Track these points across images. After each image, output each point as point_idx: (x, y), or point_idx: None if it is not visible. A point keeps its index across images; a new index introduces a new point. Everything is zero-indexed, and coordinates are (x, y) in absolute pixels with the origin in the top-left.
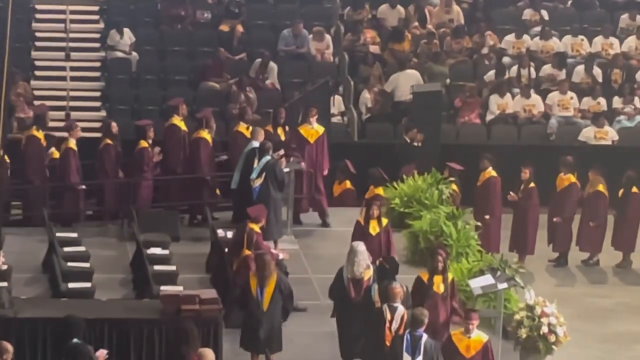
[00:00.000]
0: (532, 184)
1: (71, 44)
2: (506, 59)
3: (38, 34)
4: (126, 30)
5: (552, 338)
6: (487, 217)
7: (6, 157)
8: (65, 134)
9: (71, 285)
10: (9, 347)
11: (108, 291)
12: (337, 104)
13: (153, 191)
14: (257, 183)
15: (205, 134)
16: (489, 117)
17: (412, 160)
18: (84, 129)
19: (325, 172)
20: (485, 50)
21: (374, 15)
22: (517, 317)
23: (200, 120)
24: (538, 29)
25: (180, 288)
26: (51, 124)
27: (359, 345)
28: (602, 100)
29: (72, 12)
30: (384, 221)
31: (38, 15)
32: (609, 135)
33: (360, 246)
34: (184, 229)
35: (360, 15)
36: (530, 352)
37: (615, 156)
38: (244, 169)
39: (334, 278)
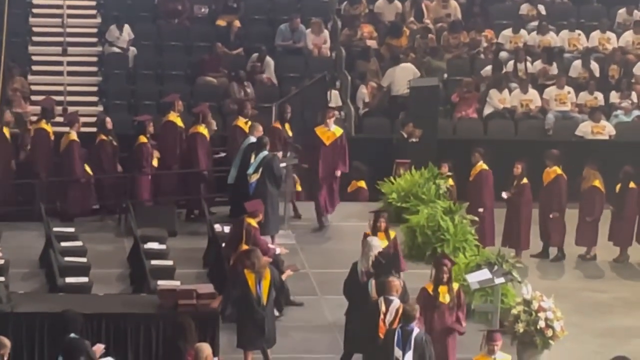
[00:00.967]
0: (524, 180)
1: (68, 39)
2: (503, 54)
3: (35, 29)
4: (126, 27)
5: (549, 333)
6: (480, 210)
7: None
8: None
9: (68, 280)
10: (6, 342)
11: (105, 286)
12: (334, 98)
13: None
14: (254, 178)
15: (202, 129)
16: (488, 110)
17: (407, 156)
18: (81, 124)
19: (339, 174)
20: (482, 47)
21: (371, 10)
22: (514, 311)
23: (197, 115)
24: (535, 23)
25: (178, 283)
26: None
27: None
28: (599, 95)
29: (69, 7)
30: (392, 234)
31: (35, 10)
32: (606, 130)
33: (375, 240)
34: (181, 223)
35: (357, 10)
36: (528, 347)
37: (612, 151)
38: (241, 165)
39: (348, 273)
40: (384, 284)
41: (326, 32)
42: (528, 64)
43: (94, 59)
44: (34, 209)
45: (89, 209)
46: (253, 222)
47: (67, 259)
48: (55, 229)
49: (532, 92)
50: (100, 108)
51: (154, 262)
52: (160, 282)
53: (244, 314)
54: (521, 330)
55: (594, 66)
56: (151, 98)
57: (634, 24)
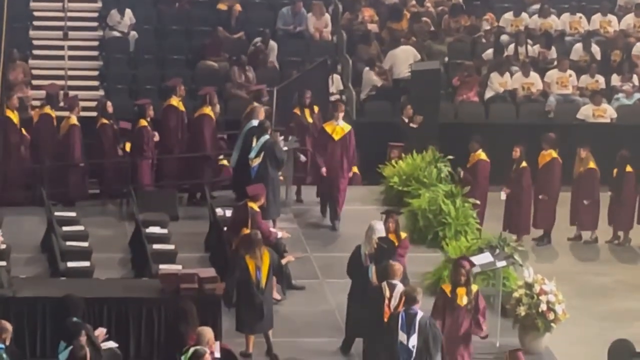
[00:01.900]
0: (523, 164)
1: (69, 24)
2: (504, 37)
3: (36, 14)
4: (127, 11)
5: (551, 316)
6: (474, 200)
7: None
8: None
9: (70, 264)
10: (8, 326)
11: (107, 270)
12: (335, 82)
13: (152, 170)
14: (256, 162)
15: (209, 111)
16: (489, 94)
17: (408, 140)
18: (81, 109)
19: (350, 174)
20: (483, 31)
21: None
22: (515, 295)
23: (204, 97)
24: (537, 6)
25: (179, 267)
26: None
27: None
28: (600, 78)
29: None
30: (403, 235)
31: None
32: (608, 113)
33: (378, 224)
34: (183, 208)
35: None
36: (529, 330)
37: (613, 134)
38: (242, 148)
39: (350, 256)
40: (386, 268)
41: (327, 16)
42: (529, 47)
43: (95, 43)
44: (35, 193)
45: (88, 193)
46: (255, 206)
47: (68, 243)
48: (56, 214)
49: (534, 76)
50: (101, 92)
51: (155, 246)
52: (161, 267)
53: (243, 298)
54: (523, 313)
55: (595, 49)
56: (152, 82)
57: (635, 7)
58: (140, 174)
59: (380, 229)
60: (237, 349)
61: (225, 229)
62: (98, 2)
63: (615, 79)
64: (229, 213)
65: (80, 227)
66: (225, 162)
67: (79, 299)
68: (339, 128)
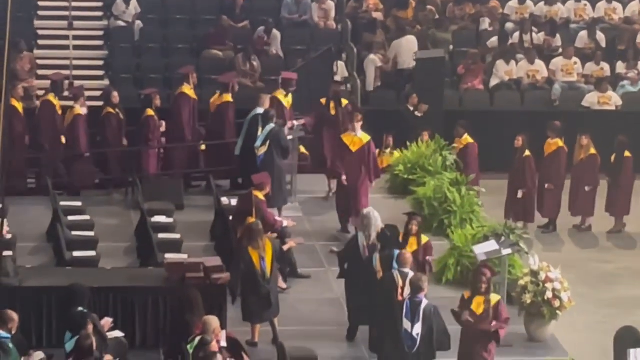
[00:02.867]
0: (527, 152)
1: (74, 13)
2: (509, 25)
3: (41, 3)
4: (132, 1)
5: (557, 303)
6: (479, 188)
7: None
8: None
9: (76, 253)
10: (14, 315)
11: (113, 259)
12: (340, 69)
13: (159, 159)
14: (262, 151)
15: (230, 98)
16: (494, 82)
17: (413, 128)
18: (87, 98)
19: (372, 186)
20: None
21: None
22: (521, 282)
23: (226, 85)
24: None
25: (185, 256)
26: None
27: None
28: (605, 66)
29: None
30: (424, 239)
31: None
32: (613, 100)
33: (374, 212)
34: (188, 197)
35: None
36: (535, 318)
37: (619, 121)
38: (247, 136)
39: (346, 244)
40: (398, 257)
41: (332, 4)
42: (534, 34)
43: (100, 32)
44: (40, 183)
45: (93, 182)
46: (260, 195)
47: (74, 233)
48: (62, 203)
49: (539, 63)
50: (106, 82)
51: (161, 235)
52: (167, 256)
53: (248, 289)
54: (529, 301)
55: (600, 37)
56: (157, 71)
57: None
58: (146, 163)
59: (376, 217)
60: (243, 337)
61: (230, 217)
62: None
63: (621, 67)
64: (234, 202)
65: (86, 217)
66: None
67: (84, 288)
68: (357, 139)
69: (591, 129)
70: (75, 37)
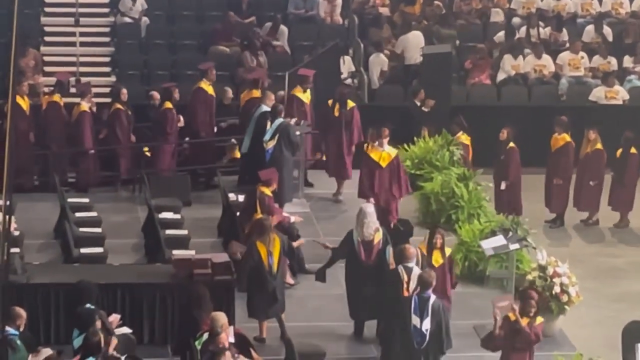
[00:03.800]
0: (511, 144)
1: (81, 10)
2: (516, 20)
3: (47, 0)
4: None
5: (565, 298)
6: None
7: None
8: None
9: (83, 250)
10: (22, 312)
11: (120, 256)
12: (347, 63)
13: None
14: (271, 145)
15: (259, 94)
16: (502, 76)
17: (421, 123)
18: (93, 95)
19: (400, 199)
20: (494, 15)
21: None
22: (529, 277)
23: (256, 81)
24: None
25: (192, 252)
26: None
27: (369, 307)
28: (613, 60)
29: None
30: (448, 251)
31: None
32: (620, 94)
33: (369, 208)
34: (196, 193)
35: None
36: (543, 313)
37: (626, 116)
38: (254, 134)
39: (341, 241)
40: (401, 252)
41: None
42: (541, 29)
43: (107, 29)
44: (48, 180)
45: (100, 179)
46: (267, 191)
47: (81, 229)
48: (69, 200)
49: (546, 58)
50: (113, 78)
51: (168, 231)
52: (175, 252)
53: (256, 284)
54: None
55: (607, 31)
56: (164, 68)
57: None
58: (160, 158)
59: (371, 212)
60: (251, 333)
61: (237, 213)
62: None
63: (628, 61)
64: (241, 198)
65: (93, 213)
66: None
67: (92, 285)
68: (385, 154)
69: (598, 124)
70: (82, 34)
